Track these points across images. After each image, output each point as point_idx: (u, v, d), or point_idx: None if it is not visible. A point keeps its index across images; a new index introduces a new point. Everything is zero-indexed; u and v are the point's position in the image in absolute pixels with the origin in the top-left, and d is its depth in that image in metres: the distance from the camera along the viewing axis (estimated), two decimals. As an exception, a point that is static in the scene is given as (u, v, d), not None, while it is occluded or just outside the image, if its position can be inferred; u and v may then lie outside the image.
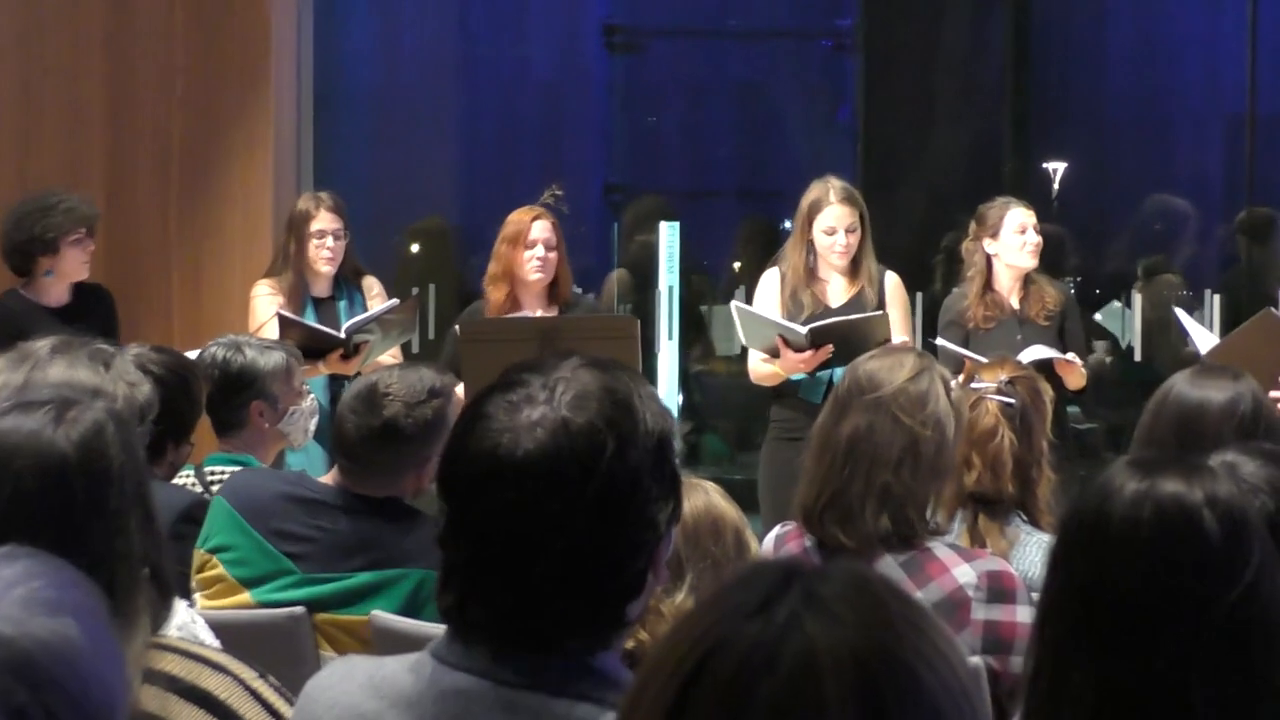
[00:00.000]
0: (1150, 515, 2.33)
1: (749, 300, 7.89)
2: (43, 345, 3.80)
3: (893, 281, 7.66)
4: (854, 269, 7.57)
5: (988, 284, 7.68)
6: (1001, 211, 7.71)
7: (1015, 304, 7.65)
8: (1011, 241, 7.67)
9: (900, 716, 1.50)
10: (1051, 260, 8.48)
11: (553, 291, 7.63)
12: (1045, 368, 7.07)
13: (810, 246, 7.57)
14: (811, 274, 7.58)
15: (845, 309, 7.50)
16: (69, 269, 7.76)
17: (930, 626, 1.56)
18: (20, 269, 7.77)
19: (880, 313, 7.39)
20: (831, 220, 7.52)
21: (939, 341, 7.74)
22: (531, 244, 7.57)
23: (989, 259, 7.69)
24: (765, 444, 7.67)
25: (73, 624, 1.44)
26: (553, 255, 7.60)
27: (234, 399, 5.41)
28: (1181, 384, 4.53)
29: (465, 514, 2.25)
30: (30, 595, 1.44)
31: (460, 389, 7.11)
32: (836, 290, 7.59)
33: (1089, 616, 2.32)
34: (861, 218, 7.56)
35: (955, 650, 1.56)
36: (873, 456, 4.01)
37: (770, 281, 7.71)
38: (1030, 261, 7.68)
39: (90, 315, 7.58)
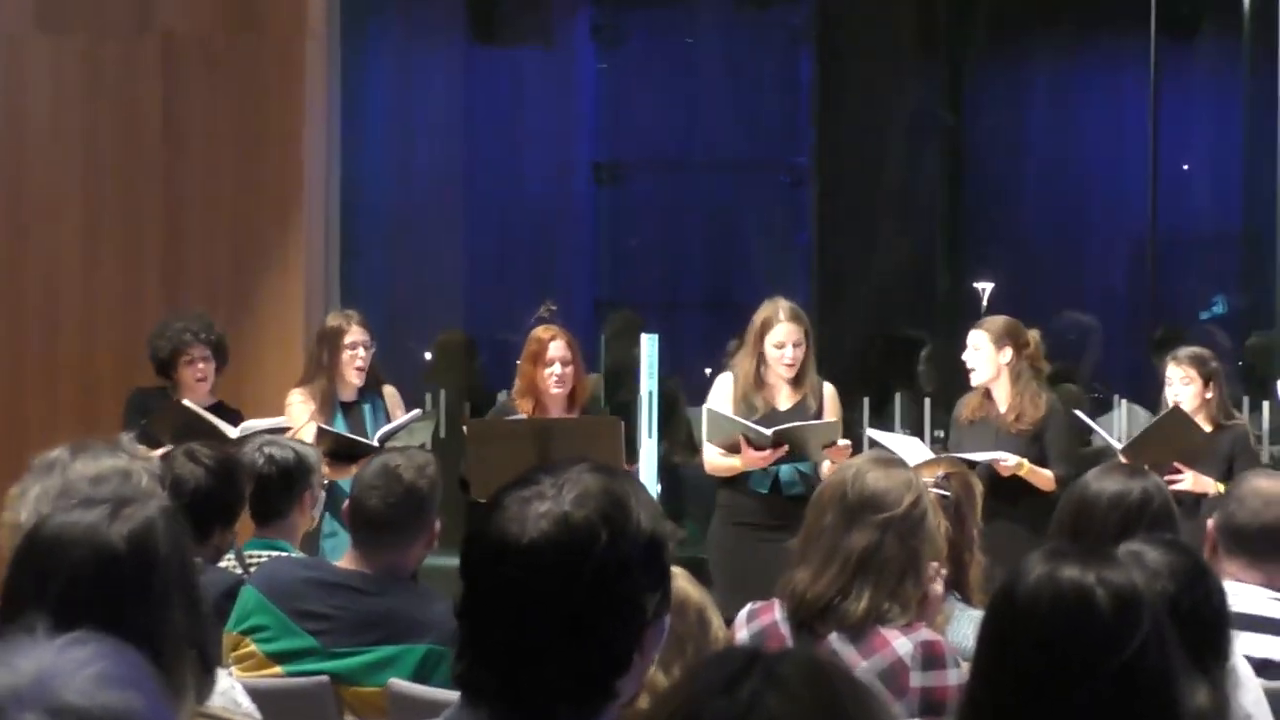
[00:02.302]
0: (1049, 595, 2.40)
1: (705, 397, 7.90)
2: (61, 451, 3.83)
3: (830, 391, 7.63)
4: (798, 378, 7.58)
5: (988, 389, 7.69)
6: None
7: (1002, 409, 7.66)
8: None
9: None
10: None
11: (571, 400, 7.62)
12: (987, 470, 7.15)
13: (761, 357, 7.58)
14: (761, 381, 7.58)
15: (791, 412, 7.50)
16: (184, 383, 7.78)
17: (873, 702, 1.59)
18: (160, 375, 7.84)
19: (834, 420, 7.40)
20: (781, 336, 7.52)
21: (871, 434, 7.81)
22: (550, 362, 7.54)
23: None
24: (714, 526, 7.64)
25: (137, 697, 1.46)
26: (569, 370, 7.57)
27: (292, 489, 5.38)
28: (1088, 478, 4.59)
29: (478, 590, 2.26)
30: (100, 673, 1.46)
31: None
32: (783, 395, 7.59)
33: (1004, 680, 2.36)
34: (806, 334, 7.58)
35: None
36: (880, 571, 4.02)
37: (724, 384, 7.70)
38: (974, 379, 7.68)
39: None
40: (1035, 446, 7.53)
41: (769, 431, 7.26)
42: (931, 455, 7.25)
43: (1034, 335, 7.74)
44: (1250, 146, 12.04)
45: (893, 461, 4.36)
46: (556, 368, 7.54)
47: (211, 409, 7.77)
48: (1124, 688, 2.34)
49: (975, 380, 7.65)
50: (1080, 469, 5.87)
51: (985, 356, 7.62)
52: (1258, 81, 11.49)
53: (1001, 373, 7.61)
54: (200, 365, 7.77)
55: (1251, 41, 11.85)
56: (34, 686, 1.43)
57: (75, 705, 1.43)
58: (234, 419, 7.81)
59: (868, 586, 4.02)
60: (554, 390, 7.54)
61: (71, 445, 3.86)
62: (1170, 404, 7.62)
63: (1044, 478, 7.44)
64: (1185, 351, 7.67)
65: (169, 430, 7.00)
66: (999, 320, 7.78)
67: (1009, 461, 7.37)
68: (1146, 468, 6.77)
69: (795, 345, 7.51)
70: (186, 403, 7.44)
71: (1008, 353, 7.60)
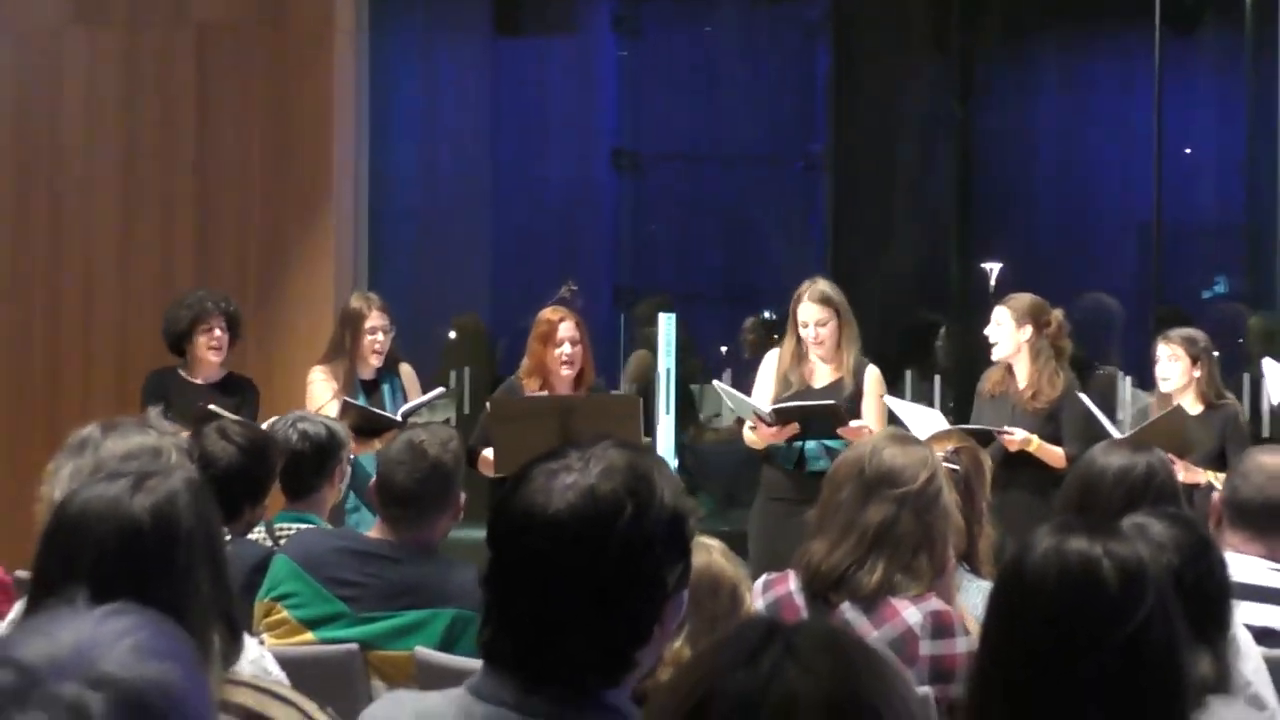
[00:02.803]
0: (1056, 568, 2.38)
1: (755, 375, 7.89)
2: (92, 429, 3.82)
3: (872, 375, 7.59)
4: (834, 357, 7.57)
5: (1010, 366, 7.70)
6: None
7: (1021, 386, 7.66)
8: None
9: None
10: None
11: (578, 380, 7.59)
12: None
13: (798, 335, 7.60)
14: (802, 357, 7.59)
15: (825, 391, 7.48)
16: (199, 353, 7.84)
17: (889, 671, 1.59)
18: (173, 349, 7.88)
19: (832, 403, 7.34)
20: (805, 315, 7.53)
21: (888, 400, 7.83)
22: (560, 342, 7.48)
23: None
24: (757, 503, 7.65)
25: (174, 668, 1.45)
26: (578, 349, 7.52)
27: (325, 464, 5.37)
28: (1094, 453, 4.59)
29: (504, 559, 2.25)
30: (138, 644, 1.45)
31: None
32: (821, 374, 7.56)
33: (1013, 652, 2.35)
34: (837, 313, 7.55)
35: (910, 690, 1.60)
36: (895, 545, 4.02)
37: (770, 361, 7.73)
38: (994, 354, 7.69)
39: (231, 397, 7.63)
40: (1051, 424, 7.52)
41: (768, 410, 7.27)
42: (949, 425, 7.26)
43: (1057, 315, 7.72)
44: (1252, 136, 12.01)
45: (909, 439, 4.36)
46: (566, 348, 7.49)
47: (223, 380, 7.83)
48: (1130, 659, 2.33)
49: (995, 355, 7.66)
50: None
51: (1006, 333, 7.63)
52: (1259, 73, 11.45)
53: (1021, 350, 7.62)
54: (217, 334, 7.82)
55: (1253, 34, 11.81)
56: (73, 657, 1.42)
57: (114, 675, 1.42)
58: (245, 387, 7.87)
59: (882, 559, 4.02)
60: (564, 371, 7.49)
61: (102, 423, 3.85)
62: (1160, 382, 7.63)
63: (1054, 455, 7.43)
64: (1176, 332, 7.68)
65: (190, 424, 7.02)
66: (1025, 298, 7.76)
67: (1016, 436, 7.36)
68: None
69: (818, 324, 7.50)
70: (212, 407, 7.46)
71: (1028, 330, 7.60)
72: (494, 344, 11.90)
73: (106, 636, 1.45)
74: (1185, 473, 7.20)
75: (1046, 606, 2.36)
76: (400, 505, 4.72)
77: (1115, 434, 7.41)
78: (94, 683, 1.41)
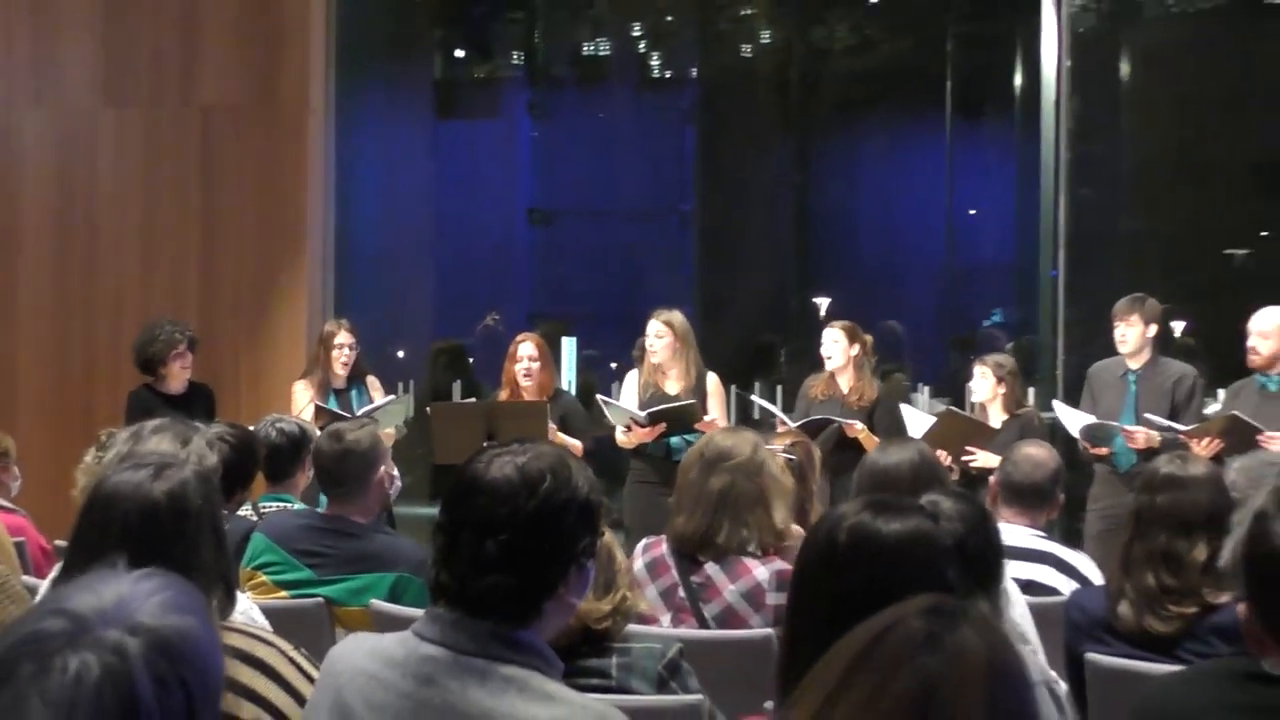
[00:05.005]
0: (844, 534, 2.29)
1: (622, 384, 7.91)
2: (151, 425, 3.76)
3: (713, 381, 7.61)
4: (680, 372, 7.59)
5: (834, 374, 7.74)
6: None
7: (845, 390, 7.72)
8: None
9: (1005, 702, 1.52)
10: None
11: (540, 390, 7.54)
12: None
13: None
14: (657, 369, 7.61)
15: (676, 397, 7.52)
16: (173, 373, 7.73)
17: (1018, 653, 1.58)
18: (145, 371, 7.78)
19: (691, 402, 7.35)
20: (648, 330, 7.55)
21: (754, 398, 7.80)
22: (520, 359, 7.52)
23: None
24: (627, 485, 7.64)
25: (193, 619, 1.47)
26: (536, 364, 7.51)
27: (298, 456, 5.34)
28: (873, 453, 4.61)
29: (450, 514, 2.27)
30: (164, 600, 1.46)
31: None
32: (672, 384, 7.60)
33: (811, 605, 2.27)
34: (673, 331, 7.52)
35: (1029, 670, 1.59)
36: (735, 505, 4.05)
37: (633, 375, 7.71)
38: (828, 365, 7.68)
39: (196, 404, 7.56)
40: (868, 420, 7.59)
41: (644, 415, 7.29)
42: (788, 420, 7.31)
43: (868, 337, 7.82)
44: (1020, 198, 12.18)
45: (738, 429, 4.41)
46: (525, 363, 7.52)
47: (189, 390, 7.75)
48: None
49: (830, 366, 7.67)
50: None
51: (840, 349, 7.66)
52: (1026, 149, 11.61)
53: (850, 362, 7.68)
54: (188, 357, 7.77)
55: (1021, 121, 11.98)
56: (115, 609, 1.43)
57: (147, 624, 1.43)
58: (205, 393, 7.82)
59: (726, 518, 4.04)
60: (523, 382, 7.51)
61: (161, 422, 3.79)
62: (970, 394, 7.69)
63: (874, 443, 7.48)
64: (990, 356, 7.71)
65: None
66: (847, 323, 7.83)
67: (859, 426, 7.43)
68: (945, 453, 6.93)
69: (656, 337, 7.51)
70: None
71: (856, 348, 7.67)
72: (440, 360, 11.84)
73: (141, 593, 1.46)
74: (985, 459, 7.22)
75: (848, 571, 2.27)
76: (333, 483, 4.71)
77: (916, 437, 7.45)
78: (132, 629, 1.42)
